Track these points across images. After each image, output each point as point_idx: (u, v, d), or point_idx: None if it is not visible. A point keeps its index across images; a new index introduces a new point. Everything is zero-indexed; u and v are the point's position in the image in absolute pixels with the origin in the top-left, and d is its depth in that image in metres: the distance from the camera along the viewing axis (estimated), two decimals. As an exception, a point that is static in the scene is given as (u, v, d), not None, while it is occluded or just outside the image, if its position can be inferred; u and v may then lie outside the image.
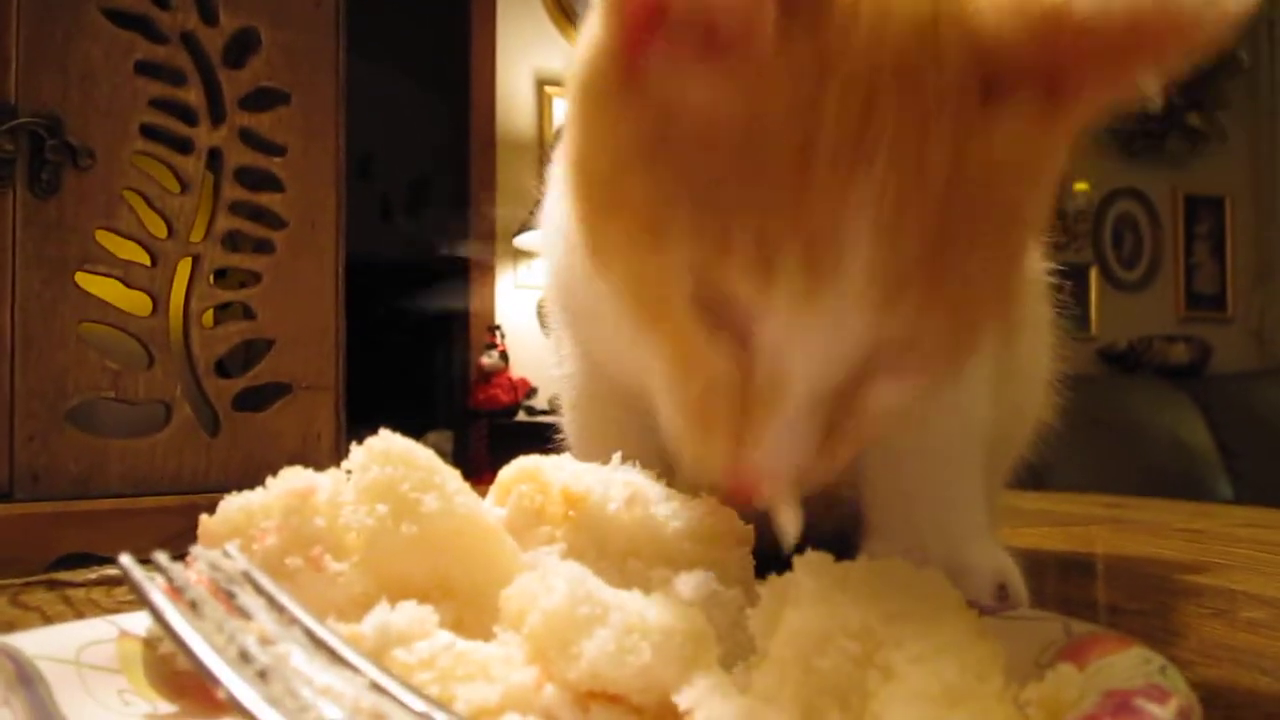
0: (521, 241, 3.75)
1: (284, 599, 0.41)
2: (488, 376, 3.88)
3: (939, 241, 0.46)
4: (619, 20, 0.51)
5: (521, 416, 3.87)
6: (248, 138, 0.94)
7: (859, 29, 0.46)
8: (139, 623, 0.49)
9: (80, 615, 0.65)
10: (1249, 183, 5.47)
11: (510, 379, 3.89)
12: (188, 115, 0.91)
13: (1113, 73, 0.46)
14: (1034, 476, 0.91)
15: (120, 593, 0.72)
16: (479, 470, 3.77)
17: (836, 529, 0.77)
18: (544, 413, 3.77)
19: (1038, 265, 0.81)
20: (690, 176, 0.48)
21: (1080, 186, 5.00)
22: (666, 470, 0.59)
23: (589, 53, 0.53)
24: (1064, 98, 0.47)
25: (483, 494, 0.58)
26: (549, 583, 0.42)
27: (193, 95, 0.91)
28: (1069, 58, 0.46)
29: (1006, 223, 0.49)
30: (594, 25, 0.53)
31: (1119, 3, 0.45)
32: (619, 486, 0.55)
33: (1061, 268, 0.82)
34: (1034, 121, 0.47)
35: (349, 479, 0.50)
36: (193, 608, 0.39)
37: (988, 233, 0.48)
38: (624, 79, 0.51)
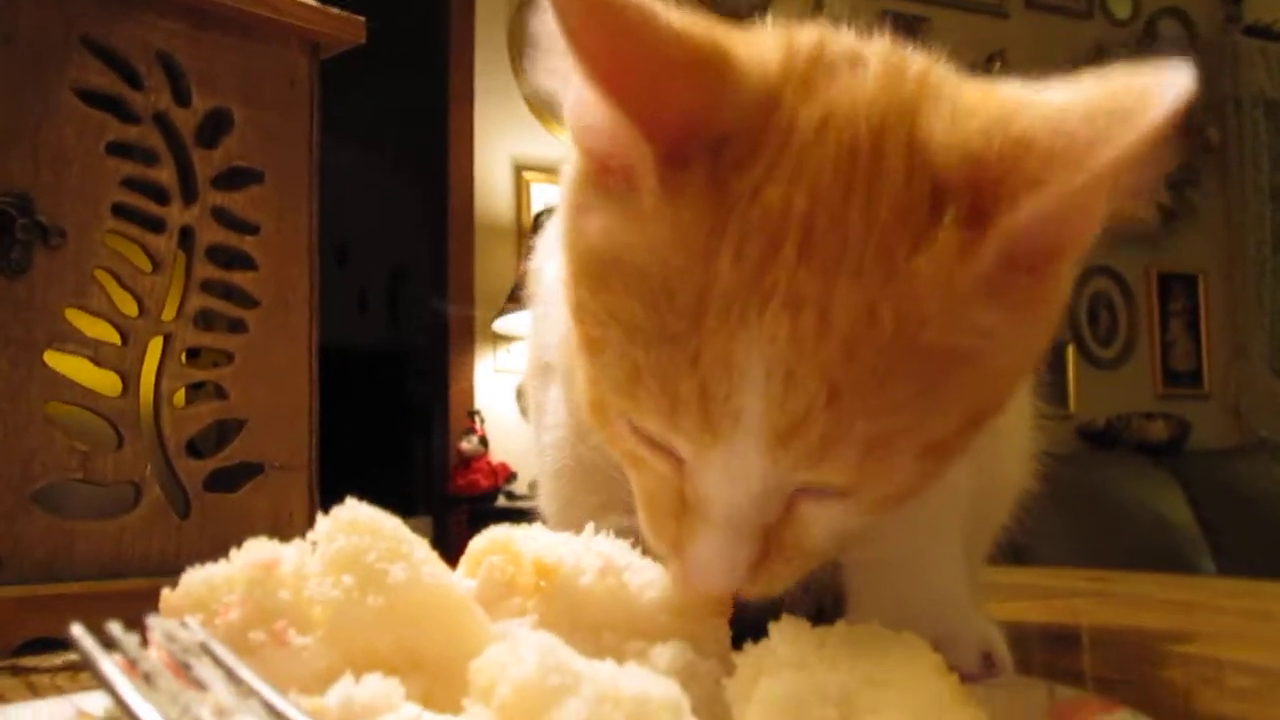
0: (500, 326, 3.75)
1: (242, 671, 0.40)
2: (467, 461, 3.85)
3: (850, 384, 0.45)
4: (586, 151, 0.52)
5: (501, 501, 3.84)
6: (220, 216, 0.94)
7: (778, 171, 0.46)
8: (97, 702, 0.47)
9: (41, 700, 0.63)
10: (1221, 259, 5.52)
11: (490, 464, 3.86)
12: (160, 194, 0.91)
13: (1035, 189, 0.43)
14: (1015, 553, 0.90)
15: (85, 678, 0.70)
16: (458, 556, 3.73)
17: (814, 603, 0.75)
18: (524, 498, 3.75)
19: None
20: (615, 309, 0.49)
21: (1054, 265, 5.03)
22: (643, 540, 0.58)
23: (573, 170, 0.54)
24: (986, 221, 0.44)
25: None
26: (519, 653, 0.41)
27: (165, 175, 0.91)
28: (995, 171, 0.44)
29: (949, 365, 0.46)
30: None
31: (1050, 116, 0.44)
32: (592, 557, 0.54)
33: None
34: (956, 255, 0.45)
35: (314, 550, 0.49)
36: (147, 680, 0.37)
37: (924, 376, 0.46)
38: (589, 204, 0.52)
